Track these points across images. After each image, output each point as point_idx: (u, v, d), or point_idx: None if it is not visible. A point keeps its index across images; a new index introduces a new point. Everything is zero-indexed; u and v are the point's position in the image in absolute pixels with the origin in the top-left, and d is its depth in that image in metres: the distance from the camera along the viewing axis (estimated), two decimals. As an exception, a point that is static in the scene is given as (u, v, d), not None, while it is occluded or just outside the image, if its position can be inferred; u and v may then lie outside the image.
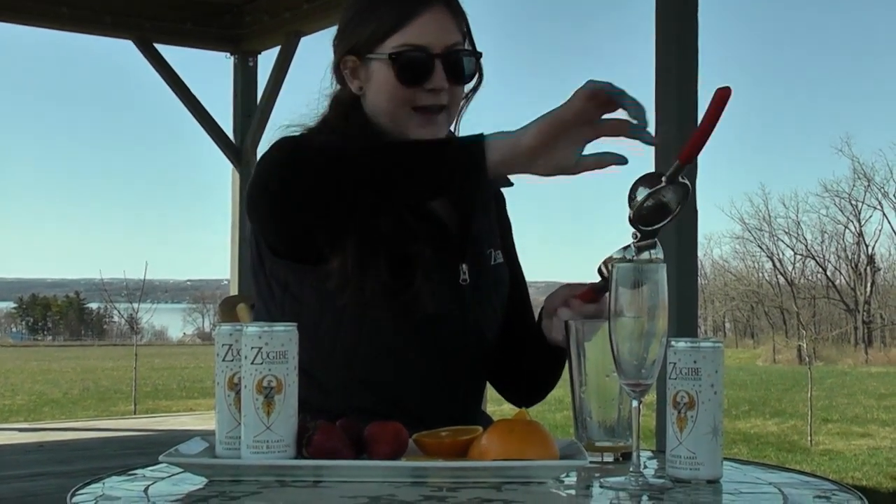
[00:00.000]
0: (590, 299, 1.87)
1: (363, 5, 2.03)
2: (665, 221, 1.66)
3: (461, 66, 2.00)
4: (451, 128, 2.11)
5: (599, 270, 1.85)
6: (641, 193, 1.65)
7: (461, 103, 2.08)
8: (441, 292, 1.95)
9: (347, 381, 1.96)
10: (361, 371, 1.96)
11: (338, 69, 2.05)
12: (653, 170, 1.68)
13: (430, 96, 1.97)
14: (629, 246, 1.69)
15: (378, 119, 2.02)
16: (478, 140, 1.66)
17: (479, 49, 2.05)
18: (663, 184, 1.63)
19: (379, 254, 1.89)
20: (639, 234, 1.67)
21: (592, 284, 1.87)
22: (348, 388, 1.96)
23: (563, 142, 1.61)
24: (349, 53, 2.02)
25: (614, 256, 1.76)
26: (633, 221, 1.66)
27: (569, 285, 1.92)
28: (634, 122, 1.60)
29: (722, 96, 1.57)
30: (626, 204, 1.66)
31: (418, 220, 1.97)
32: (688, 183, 1.65)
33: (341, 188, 1.75)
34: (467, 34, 2.04)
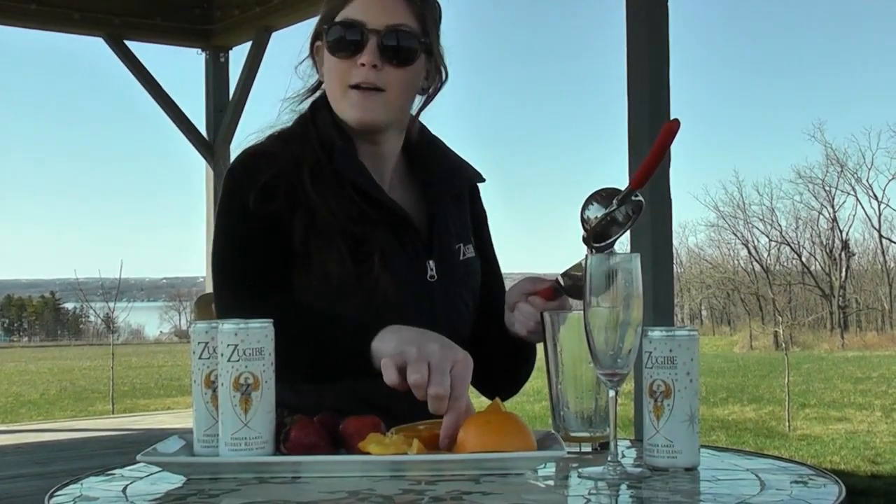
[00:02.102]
0: (550, 297, 1.87)
1: None
2: (616, 236, 1.70)
3: (400, 47, 1.98)
4: (418, 120, 2.12)
5: (557, 282, 1.86)
6: (593, 210, 1.69)
7: (425, 99, 2.08)
8: (407, 289, 1.95)
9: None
10: None
11: (312, 57, 2.09)
12: (604, 186, 1.72)
13: (361, 72, 1.96)
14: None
15: (332, 105, 2.04)
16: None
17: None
18: (615, 206, 1.67)
19: (337, 240, 1.91)
20: (593, 251, 1.70)
21: (554, 283, 1.87)
22: (319, 387, 1.96)
23: None
24: (316, 39, 2.06)
25: (571, 271, 1.79)
26: (586, 240, 1.72)
27: (531, 279, 1.92)
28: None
29: (670, 129, 1.65)
30: (579, 219, 1.71)
31: (375, 207, 1.98)
32: (641, 199, 1.69)
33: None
34: (427, 27, 2.02)
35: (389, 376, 1.64)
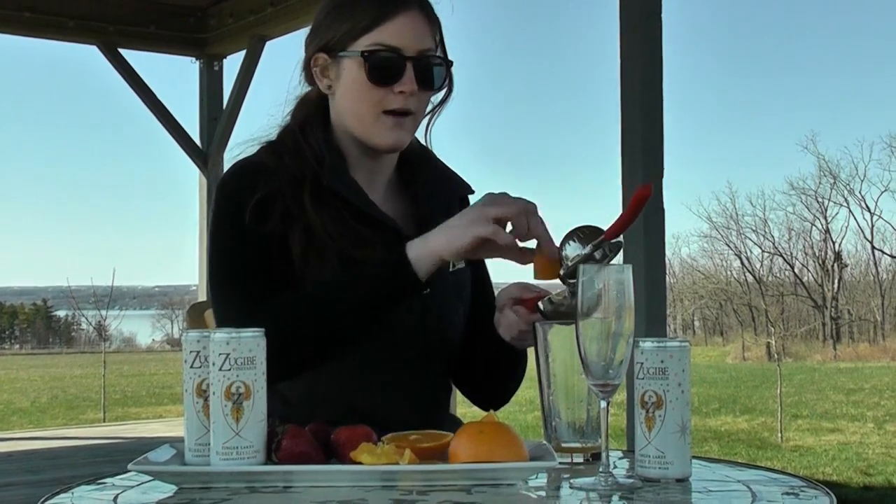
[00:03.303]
0: (533, 310, 1.88)
1: (339, 3, 2.02)
2: None
3: (431, 72, 2.00)
4: (422, 139, 2.12)
5: (537, 307, 1.86)
6: (571, 249, 1.74)
7: (432, 113, 2.09)
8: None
9: (311, 392, 1.96)
10: (324, 382, 1.96)
11: (308, 67, 2.06)
12: (585, 224, 1.76)
13: (399, 99, 1.97)
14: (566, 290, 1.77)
15: (343, 119, 2.02)
16: (405, 264, 1.81)
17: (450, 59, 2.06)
18: (590, 251, 1.71)
19: (332, 258, 1.91)
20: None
21: (538, 295, 1.87)
22: (312, 399, 1.96)
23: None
24: (321, 51, 2.02)
25: (553, 298, 1.82)
26: (563, 279, 1.76)
27: (521, 286, 1.93)
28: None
29: (642, 195, 1.75)
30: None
31: (371, 227, 1.98)
32: (621, 240, 1.72)
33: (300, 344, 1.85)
34: (440, 43, 2.05)
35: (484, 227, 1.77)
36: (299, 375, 1.88)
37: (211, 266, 1.98)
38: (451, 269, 2.04)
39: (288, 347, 1.76)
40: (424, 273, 1.81)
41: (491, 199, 1.81)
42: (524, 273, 1.83)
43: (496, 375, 2.11)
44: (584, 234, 1.75)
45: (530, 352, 1.90)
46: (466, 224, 1.78)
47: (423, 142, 2.15)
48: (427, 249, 1.80)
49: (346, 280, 1.88)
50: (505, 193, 1.83)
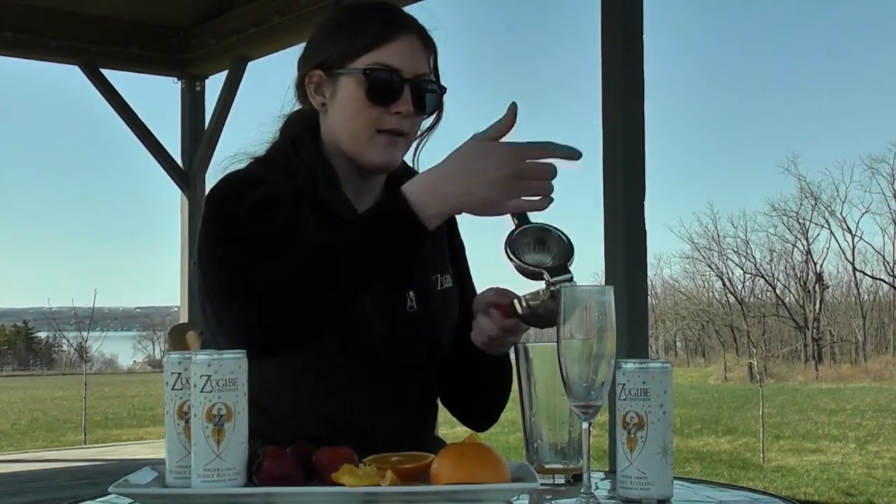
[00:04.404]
0: (507, 314, 1.86)
1: (337, 23, 2.03)
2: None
3: (425, 96, 2.02)
4: (410, 162, 2.12)
5: (512, 307, 1.83)
6: (529, 258, 1.72)
7: (420, 138, 2.10)
8: (388, 319, 1.95)
9: (295, 409, 1.95)
10: (309, 399, 1.95)
11: (301, 85, 2.06)
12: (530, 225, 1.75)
13: (394, 119, 1.98)
14: (545, 289, 1.72)
15: (336, 137, 2.02)
16: (403, 204, 1.73)
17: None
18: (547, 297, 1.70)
19: None
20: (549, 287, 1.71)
21: (514, 300, 1.85)
22: (296, 416, 1.95)
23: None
24: (318, 68, 2.02)
25: (527, 298, 1.78)
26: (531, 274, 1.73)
27: (497, 291, 1.91)
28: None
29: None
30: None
31: None
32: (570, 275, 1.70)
33: (302, 295, 1.75)
34: (434, 69, 2.06)
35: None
36: (310, 333, 1.81)
37: (207, 280, 1.89)
38: (439, 288, 2.04)
39: (293, 300, 1.74)
40: (429, 217, 1.73)
41: (514, 157, 1.69)
42: (507, 279, 1.81)
43: (481, 392, 2.10)
44: (530, 241, 1.74)
45: (513, 373, 1.89)
46: (497, 181, 1.68)
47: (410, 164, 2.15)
48: (439, 189, 1.73)
49: (345, 229, 1.82)
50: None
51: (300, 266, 1.77)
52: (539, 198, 1.69)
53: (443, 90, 2.07)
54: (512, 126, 1.73)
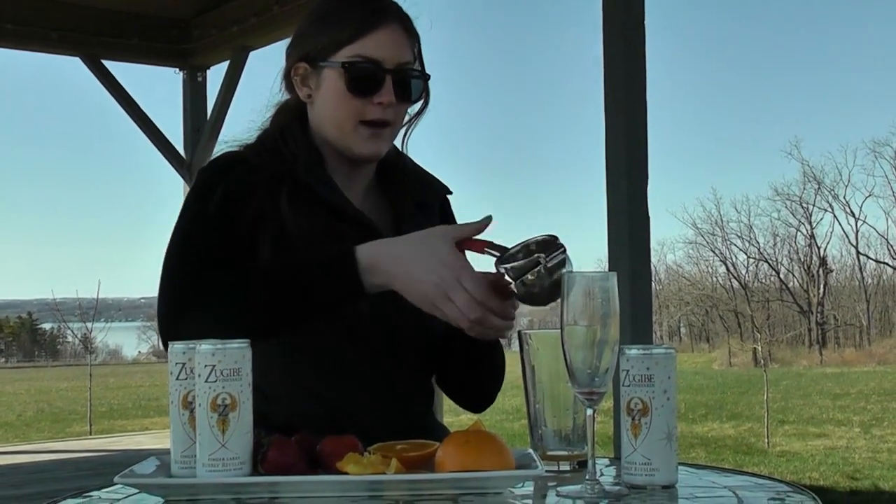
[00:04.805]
0: (505, 294, 1.79)
1: (321, 15, 2.06)
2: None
3: (409, 84, 2.04)
4: (400, 146, 2.13)
5: (508, 285, 1.77)
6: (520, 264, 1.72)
7: (408, 124, 2.12)
8: (377, 300, 1.94)
9: (291, 389, 1.97)
10: (304, 379, 1.97)
11: (288, 76, 2.09)
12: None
13: (377, 110, 2.01)
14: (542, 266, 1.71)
15: (322, 128, 2.05)
16: (353, 266, 1.79)
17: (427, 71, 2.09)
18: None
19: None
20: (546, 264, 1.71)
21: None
22: (292, 396, 1.97)
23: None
24: (302, 60, 2.05)
25: (526, 279, 1.72)
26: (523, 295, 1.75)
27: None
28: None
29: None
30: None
31: (348, 222, 1.99)
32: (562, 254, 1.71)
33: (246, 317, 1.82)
34: (418, 56, 2.08)
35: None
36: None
37: (169, 244, 1.98)
38: None
39: (233, 315, 1.81)
40: (371, 286, 1.80)
41: (466, 276, 1.76)
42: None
43: (471, 371, 2.10)
44: (535, 246, 1.73)
45: (516, 360, 1.89)
46: (436, 280, 1.76)
47: (400, 149, 2.16)
48: (385, 267, 1.79)
49: (293, 264, 1.87)
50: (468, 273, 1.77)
51: (235, 281, 1.85)
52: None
53: (427, 77, 2.09)
54: (479, 233, 1.81)
